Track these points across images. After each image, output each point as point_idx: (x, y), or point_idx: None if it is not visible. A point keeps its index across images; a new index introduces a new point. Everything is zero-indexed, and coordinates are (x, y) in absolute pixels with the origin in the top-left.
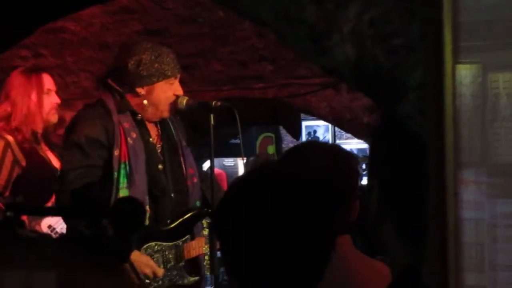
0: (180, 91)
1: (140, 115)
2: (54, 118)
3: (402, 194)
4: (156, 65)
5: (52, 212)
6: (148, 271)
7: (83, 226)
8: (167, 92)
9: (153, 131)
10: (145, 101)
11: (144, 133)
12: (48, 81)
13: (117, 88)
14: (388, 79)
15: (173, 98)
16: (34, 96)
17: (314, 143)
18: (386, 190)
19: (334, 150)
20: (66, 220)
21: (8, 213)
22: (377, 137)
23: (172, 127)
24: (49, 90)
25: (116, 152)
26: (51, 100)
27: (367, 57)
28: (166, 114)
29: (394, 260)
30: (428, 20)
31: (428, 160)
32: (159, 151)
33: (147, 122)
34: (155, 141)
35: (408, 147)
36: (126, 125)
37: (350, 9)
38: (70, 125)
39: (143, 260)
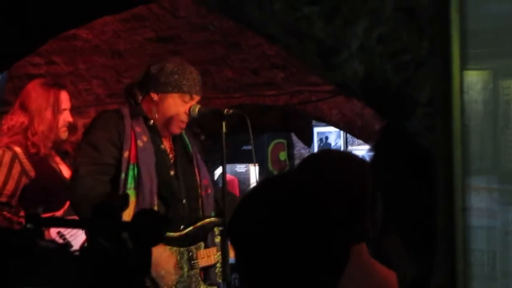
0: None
1: (151, 120)
2: (64, 135)
3: (410, 208)
4: (175, 76)
5: (73, 225)
6: (168, 266)
7: (103, 239)
8: (179, 106)
9: (166, 139)
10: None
11: (156, 138)
12: (65, 100)
13: (135, 93)
14: (397, 95)
15: (185, 117)
16: (49, 114)
17: (326, 152)
18: (392, 203)
19: (347, 158)
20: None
21: (28, 225)
22: (380, 150)
23: (187, 139)
24: (64, 109)
25: (125, 154)
26: (64, 118)
27: (376, 73)
28: (175, 130)
29: (400, 272)
30: (437, 34)
31: (436, 175)
32: (171, 158)
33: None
34: (167, 149)
35: (416, 161)
36: (137, 129)
37: (359, 25)
38: (86, 129)
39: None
